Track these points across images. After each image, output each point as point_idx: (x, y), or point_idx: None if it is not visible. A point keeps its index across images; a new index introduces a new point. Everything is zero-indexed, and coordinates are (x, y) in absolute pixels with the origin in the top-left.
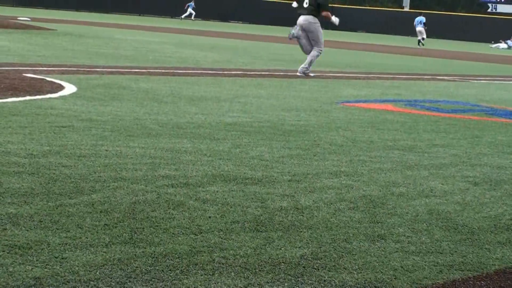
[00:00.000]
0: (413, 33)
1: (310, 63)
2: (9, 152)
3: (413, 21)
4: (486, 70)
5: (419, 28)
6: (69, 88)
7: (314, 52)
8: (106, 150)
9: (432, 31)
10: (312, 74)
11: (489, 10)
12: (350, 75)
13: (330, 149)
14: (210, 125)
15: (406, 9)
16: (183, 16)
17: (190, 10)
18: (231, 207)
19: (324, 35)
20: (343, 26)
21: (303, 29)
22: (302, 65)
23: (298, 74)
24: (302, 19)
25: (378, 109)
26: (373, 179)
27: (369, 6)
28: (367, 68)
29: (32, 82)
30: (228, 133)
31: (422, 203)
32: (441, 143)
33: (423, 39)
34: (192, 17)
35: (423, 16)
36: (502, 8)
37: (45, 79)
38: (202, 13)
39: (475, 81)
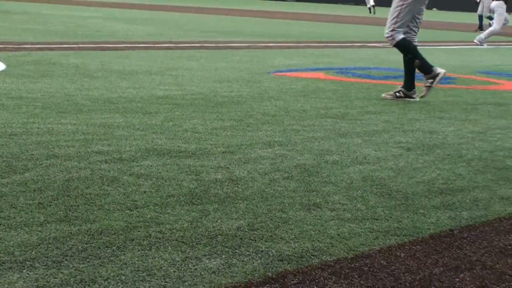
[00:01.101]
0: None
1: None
2: None
3: None
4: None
5: None
6: None
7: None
8: (38, 128)
9: None
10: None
11: None
12: (281, 44)
13: (263, 119)
14: (142, 99)
15: None
16: None
17: None
18: (165, 181)
19: (249, 3)
20: None
21: None
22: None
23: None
24: None
25: (310, 78)
26: (307, 148)
27: None
28: (298, 37)
29: None
30: (160, 106)
31: (356, 170)
32: (373, 110)
33: (373, 6)
34: None
35: None
36: None
37: None
38: None
39: None
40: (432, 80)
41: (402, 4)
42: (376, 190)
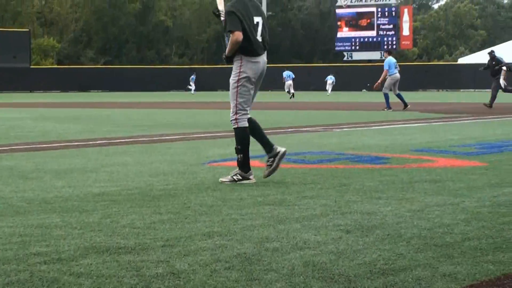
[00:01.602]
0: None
1: None
2: None
3: (271, 76)
4: (348, 118)
5: (289, 81)
6: None
7: None
8: None
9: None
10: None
11: (345, 58)
12: (214, 134)
13: (201, 211)
14: (78, 197)
15: None
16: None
17: (192, 84)
18: (106, 279)
19: (182, 96)
20: (204, 87)
21: None
22: None
23: None
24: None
25: None
26: (247, 237)
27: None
28: (231, 126)
29: None
30: (97, 203)
31: (297, 255)
32: (310, 194)
33: (292, 94)
34: (192, 91)
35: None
36: (357, 55)
37: None
38: (62, 85)
39: (338, 129)
40: (273, 159)
41: (237, 86)
42: (318, 275)
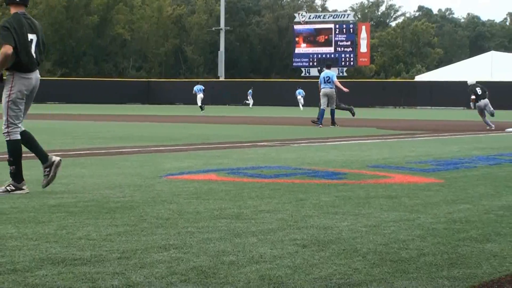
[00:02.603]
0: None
1: None
2: None
3: (228, 90)
4: (306, 133)
5: (200, 95)
6: None
7: None
8: None
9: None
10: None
11: (303, 74)
12: (171, 147)
13: (157, 223)
14: (33, 209)
15: (222, 78)
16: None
17: (250, 98)
18: None
19: (140, 109)
20: (161, 100)
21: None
22: None
23: None
24: None
25: (202, 180)
26: (203, 250)
27: (185, 78)
28: (189, 140)
29: None
30: (52, 215)
31: (253, 269)
32: (267, 208)
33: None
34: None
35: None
36: (315, 71)
37: None
38: None
39: (295, 144)
40: (49, 169)
41: (8, 101)
42: None
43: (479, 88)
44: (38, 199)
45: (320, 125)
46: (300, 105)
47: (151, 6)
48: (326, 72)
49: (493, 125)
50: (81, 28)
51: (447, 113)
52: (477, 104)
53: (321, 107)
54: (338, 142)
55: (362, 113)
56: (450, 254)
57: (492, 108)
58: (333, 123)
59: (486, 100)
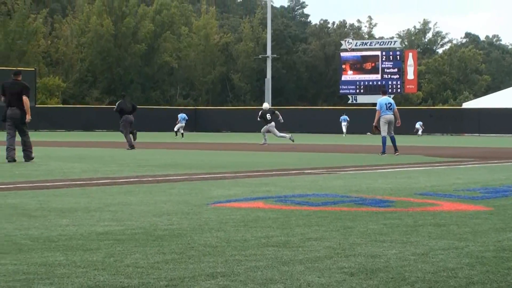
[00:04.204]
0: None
1: None
2: None
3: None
4: (353, 160)
5: (183, 123)
6: None
7: None
8: None
9: (296, 126)
10: None
11: (349, 101)
12: (218, 175)
13: (205, 251)
14: (82, 236)
15: (268, 106)
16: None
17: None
18: None
19: (188, 137)
20: (208, 128)
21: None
22: None
23: None
24: None
25: (249, 207)
26: (250, 278)
27: (232, 106)
28: (236, 167)
29: None
30: (100, 242)
31: None
32: (314, 236)
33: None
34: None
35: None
36: (361, 99)
37: None
38: (67, 125)
39: (342, 172)
40: None
41: None
42: None
43: None
44: (86, 226)
45: (384, 154)
46: (344, 131)
47: (198, 34)
48: (386, 99)
49: None
50: (128, 56)
51: (495, 140)
52: None
53: (382, 135)
54: (385, 170)
55: (409, 140)
56: (499, 283)
57: None
58: (396, 150)
59: None
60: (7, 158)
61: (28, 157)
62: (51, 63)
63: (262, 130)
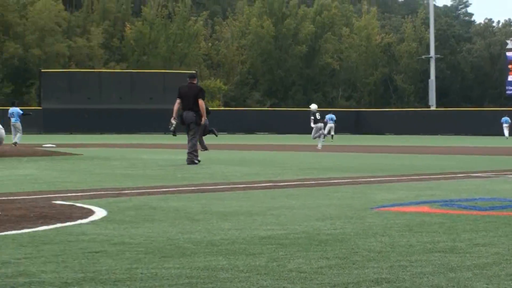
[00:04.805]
0: (441, 131)
1: None
2: (43, 282)
3: (440, 119)
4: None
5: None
6: (99, 213)
7: None
8: (141, 273)
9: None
10: None
11: None
12: (382, 178)
13: (369, 256)
14: (244, 240)
15: (433, 107)
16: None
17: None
18: None
19: (349, 139)
20: (371, 130)
21: None
22: None
23: None
24: None
25: (414, 212)
26: (416, 284)
27: (395, 108)
28: (399, 171)
29: (61, 209)
30: (263, 247)
31: None
32: (482, 242)
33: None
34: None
35: None
36: None
37: (74, 205)
38: (229, 128)
39: (511, 175)
40: None
41: None
42: None
43: None
44: (248, 230)
45: None
46: (505, 133)
47: (360, 35)
48: None
49: None
50: (289, 58)
51: None
52: None
53: None
54: None
55: None
56: None
57: None
58: None
59: None
60: (186, 160)
61: (191, 160)
62: (212, 66)
63: (316, 132)
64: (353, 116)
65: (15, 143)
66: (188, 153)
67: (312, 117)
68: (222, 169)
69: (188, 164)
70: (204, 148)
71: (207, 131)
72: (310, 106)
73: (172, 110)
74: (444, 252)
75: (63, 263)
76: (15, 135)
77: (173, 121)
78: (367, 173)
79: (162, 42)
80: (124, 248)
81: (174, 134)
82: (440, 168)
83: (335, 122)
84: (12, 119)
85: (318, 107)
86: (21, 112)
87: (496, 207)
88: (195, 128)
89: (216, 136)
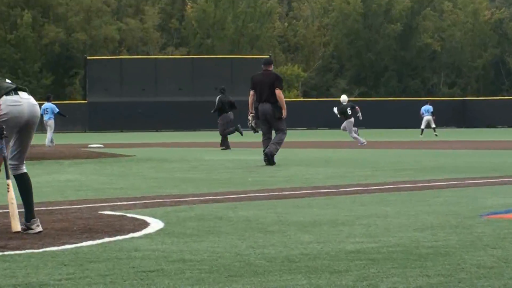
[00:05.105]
0: None
1: None
2: None
3: None
4: None
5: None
6: (155, 224)
7: None
8: None
9: None
10: None
11: None
12: (493, 180)
13: (478, 273)
14: (328, 255)
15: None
16: None
17: None
18: None
19: (454, 134)
20: (481, 123)
21: None
22: None
23: None
24: None
25: None
26: None
27: (508, 96)
28: None
29: (110, 220)
30: (351, 263)
31: None
32: None
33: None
34: None
35: None
36: None
37: (125, 215)
38: (309, 121)
39: None
40: (26, 228)
41: None
42: None
43: None
44: (333, 243)
45: None
46: None
47: (465, 10)
48: None
49: None
50: (381, 38)
51: None
52: None
53: None
54: None
55: None
56: None
57: None
58: None
59: None
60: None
61: (271, 153)
62: (289, 49)
63: (345, 129)
64: (457, 106)
65: (49, 145)
66: (271, 143)
67: (340, 115)
68: (301, 171)
69: (267, 154)
70: (227, 146)
71: (231, 130)
72: (340, 98)
73: (247, 103)
74: None
75: (111, 284)
76: (50, 135)
77: (250, 117)
78: (475, 174)
79: (229, 22)
80: (184, 266)
81: (255, 131)
82: None
83: (433, 114)
84: (45, 116)
85: (416, 96)
86: (57, 110)
87: None
88: (278, 124)
89: (242, 135)
